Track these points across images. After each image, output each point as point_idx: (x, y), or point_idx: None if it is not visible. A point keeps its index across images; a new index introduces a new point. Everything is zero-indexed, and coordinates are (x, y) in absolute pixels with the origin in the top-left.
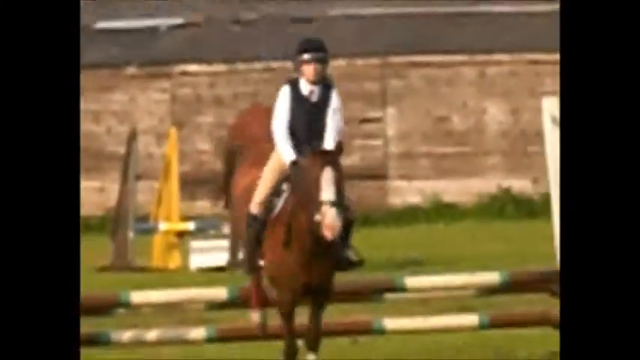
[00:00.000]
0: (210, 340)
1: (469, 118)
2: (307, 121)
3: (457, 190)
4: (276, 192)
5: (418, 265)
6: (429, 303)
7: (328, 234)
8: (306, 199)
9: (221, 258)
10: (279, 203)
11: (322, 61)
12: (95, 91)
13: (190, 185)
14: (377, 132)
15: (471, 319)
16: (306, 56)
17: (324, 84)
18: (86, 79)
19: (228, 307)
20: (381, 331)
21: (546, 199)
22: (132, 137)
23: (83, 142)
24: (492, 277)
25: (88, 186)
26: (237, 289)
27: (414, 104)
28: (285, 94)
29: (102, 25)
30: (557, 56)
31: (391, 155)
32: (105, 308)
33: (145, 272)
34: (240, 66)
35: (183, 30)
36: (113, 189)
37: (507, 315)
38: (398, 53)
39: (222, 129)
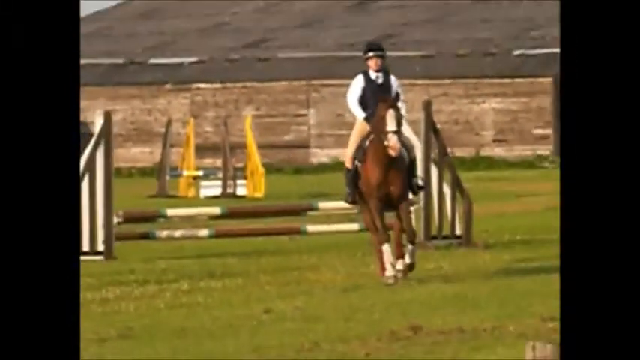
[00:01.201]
0: (210, 236)
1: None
2: (375, 96)
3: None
4: (360, 147)
5: (326, 197)
6: (331, 218)
7: (393, 152)
8: (378, 131)
9: (217, 191)
10: (363, 154)
11: (381, 56)
12: (148, 98)
13: (200, 150)
14: (304, 122)
15: (353, 227)
16: (370, 54)
17: (385, 71)
18: (142, 91)
19: (221, 217)
20: (305, 233)
21: None
22: (168, 123)
23: (141, 126)
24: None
25: (144, 150)
26: (226, 208)
27: (325, 107)
28: (359, 79)
29: (153, 60)
30: None
31: (311, 135)
32: (152, 218)
33: (174, 199)
34: (227, 85)
35: (196, 64)
36: (158, 152)
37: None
38: (316, 78)
39: (218, 120)
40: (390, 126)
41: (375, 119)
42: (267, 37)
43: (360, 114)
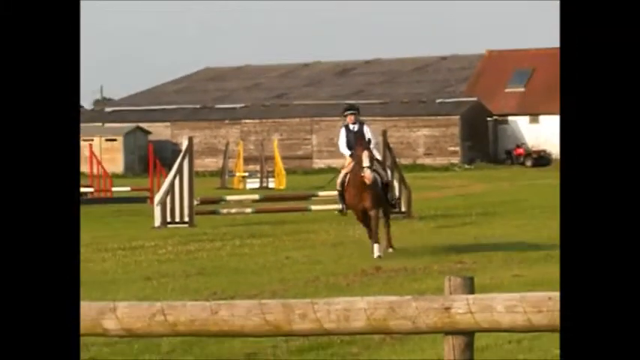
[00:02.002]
0: (252, 212)
1: None
2: (354, 140)
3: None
4: (345, 175)
5: (322, 188)
6: (326, 201)
7: (367, 181)
8: (357, 166)
9: (257, 185)
10: (347, 179)
11: (354, 113)
12: (214, 129)
13: (246, 160)
14: (309, 143)
15: (339, 207)
16: (347, 112)
17: (360, 122)
18: (211, 124)
19: (259, 201)
20: (310, 210)
21: None
22: (227, 144)
23: (210, 146)
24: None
25: (212, 160)
26: (262, 195)
27: (322, 134)
28: (342, 131)
29: (217, 106)
30: None
31: (314, 151)
32: (217, 201)
33: (230, 189)
34: (263, 120)
35: (244, 108)
36: (220, 161)
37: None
38: (316, 116)
39: (257, 142)
40: (365, 163)
41: (355, 157)
42: (286, 92)
43: (347, 153)
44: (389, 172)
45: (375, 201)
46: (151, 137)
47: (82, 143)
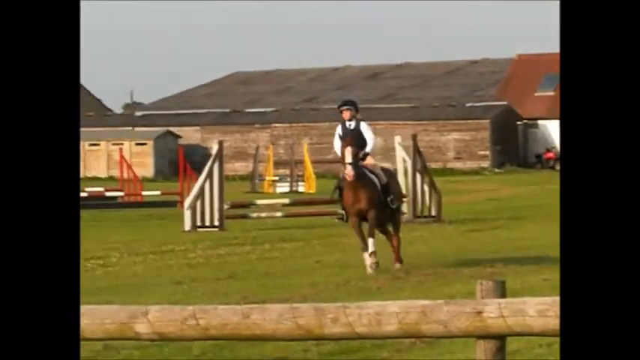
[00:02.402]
0: (283, 216)
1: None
2: (350, 138)
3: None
4: (341, 180)
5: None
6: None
7: (348, 178)
8: (343, 164)
9: (286, 189)
10: (343, 183)
11: (350, 109)
12: (244, 132)
13: (276, 164)
14: None
15: None
16: (343, 107)
17: (357, 119)
18: (240, 128)
19: (289, 205)
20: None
21: None
22: (257, 148)
23: (240, 150)
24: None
25: (242, 164)
26: (292, 199)
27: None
28: (338, 128)
29: (247, 110)
30: None
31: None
32: (247, 205)
33: (260, 193)
34: (293, 124)
35: (274, 112)
36: (250, 166)
37: None
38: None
39: (287, 146)
40: (347, 159)
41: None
42: (316, 96)
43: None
44: (381, 174)
45: (370, 202)
46: (181, 141)
47: (112, 147)
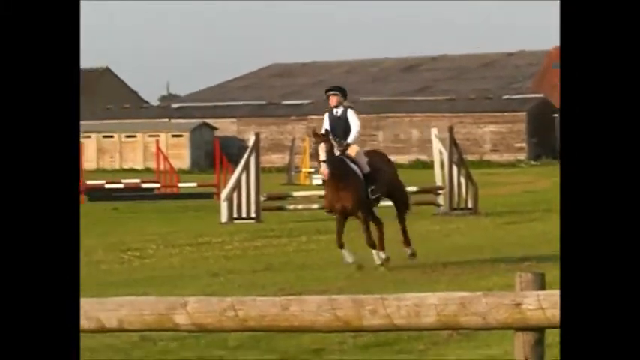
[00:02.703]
0: (319, 209)
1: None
2: (337, 127)
3: (404, 160)
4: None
5: None
6: None
7: (323, 176)
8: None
9: (321, 181)
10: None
11: (336, 94)
12: (281, 125)
13: (312, 156)
14: (376, 139)
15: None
16: (329, 92)
17: (345, 107)
18: (277, 120)
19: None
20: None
21: None
22: (293, 140)
23: (276, 142)
24: None
25: (279, 156)
26: None
27: (388, 130)
28: (325, 116)
29: (283, 102)
30: None
31: (380, 146)
32: (284, 197)
33: (297, 185)
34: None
35: (309, 104)
36: (286, 158)
37: None
38: (382, 112)
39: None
40: (321, 157)
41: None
42: (353, 88)
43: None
44: (363, 163)
45: (355, 202)
46: (217, 133)
47: (148, 139)
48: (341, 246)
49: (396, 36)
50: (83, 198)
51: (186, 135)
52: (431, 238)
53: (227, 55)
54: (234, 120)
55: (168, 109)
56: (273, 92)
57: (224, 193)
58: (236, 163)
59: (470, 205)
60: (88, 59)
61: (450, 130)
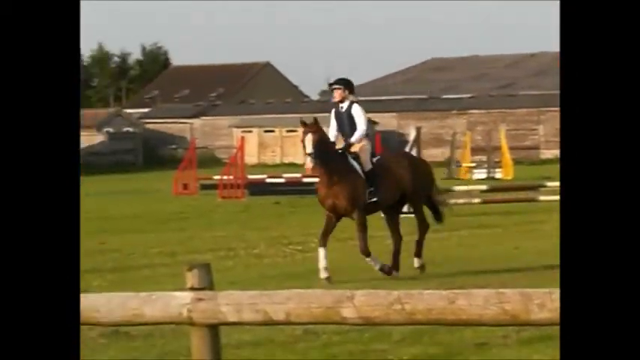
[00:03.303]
0: (480, 203)
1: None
2: (341, 121)
3: None
4: None
5: (550, 179)
6: (556, 192)
7: (307, 170)
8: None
9: (483, 175)
10: None
11: (340, 88)
12: (441, 119)
13: (473, 150)
14: (536, 133)
15: None
16: (333, 87)
17: (351, 101)
18: (437, 114)
19: (486, 191)
20: (538, 201)
21: None
22: (454, 134)
23: (437, 136)
24: None
25: (439, 151)
26: (490, 185)
27: (549, 124)
28: (332, 111)
29: (444, 96)
30: None
31: (541, 141)
32: (444, 191)
33: (458, 180)
34: (490, 110)
35: (471, 98)
36: (447, 152)
37: None
38: (543, 106)
39: (483, 132)
40: (308, 149)
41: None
42: (514, 82)
43: (333, 138)
44: (366, 160)
45: (351, 201)
46: (377, 127)
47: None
48: (322, 245)
49: (555, 30)
50: (244, 192)
51: None
52: None
53: (387, 50)
54: (394, 114)
55: (329, 104)
56: (433, 86)
57: None
58: None
59: None
60: (248, 55)
61: None
